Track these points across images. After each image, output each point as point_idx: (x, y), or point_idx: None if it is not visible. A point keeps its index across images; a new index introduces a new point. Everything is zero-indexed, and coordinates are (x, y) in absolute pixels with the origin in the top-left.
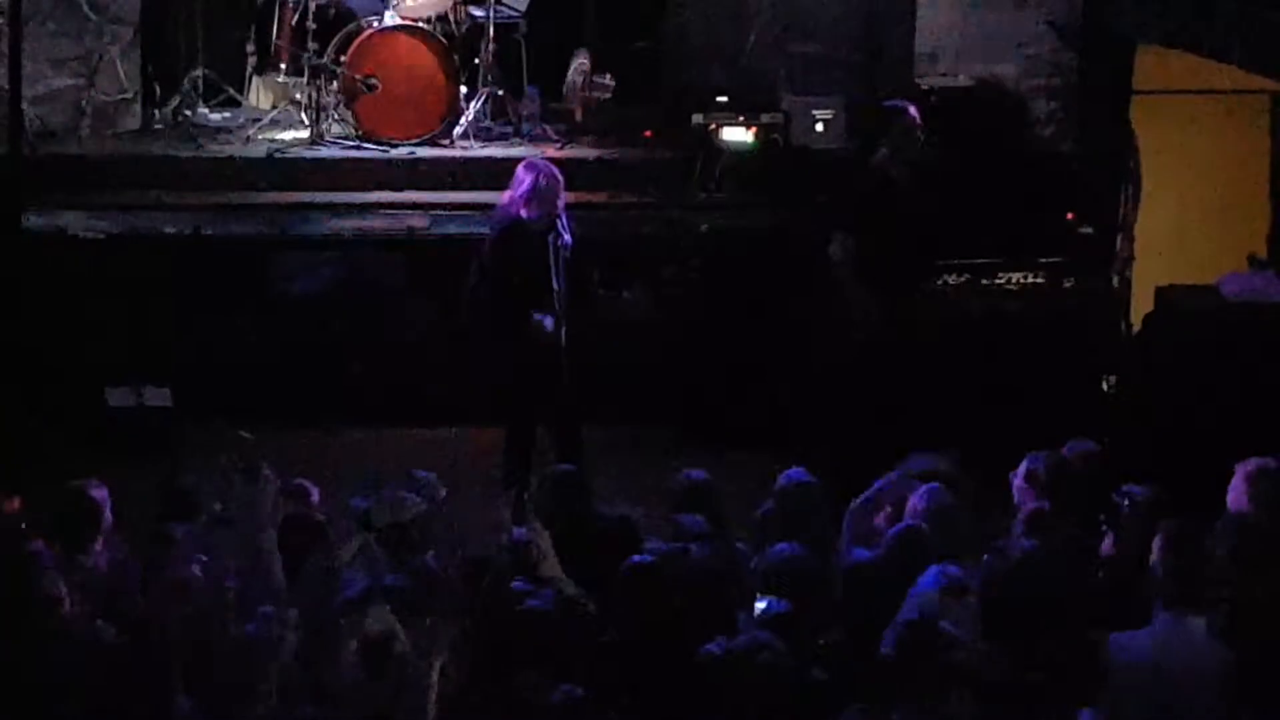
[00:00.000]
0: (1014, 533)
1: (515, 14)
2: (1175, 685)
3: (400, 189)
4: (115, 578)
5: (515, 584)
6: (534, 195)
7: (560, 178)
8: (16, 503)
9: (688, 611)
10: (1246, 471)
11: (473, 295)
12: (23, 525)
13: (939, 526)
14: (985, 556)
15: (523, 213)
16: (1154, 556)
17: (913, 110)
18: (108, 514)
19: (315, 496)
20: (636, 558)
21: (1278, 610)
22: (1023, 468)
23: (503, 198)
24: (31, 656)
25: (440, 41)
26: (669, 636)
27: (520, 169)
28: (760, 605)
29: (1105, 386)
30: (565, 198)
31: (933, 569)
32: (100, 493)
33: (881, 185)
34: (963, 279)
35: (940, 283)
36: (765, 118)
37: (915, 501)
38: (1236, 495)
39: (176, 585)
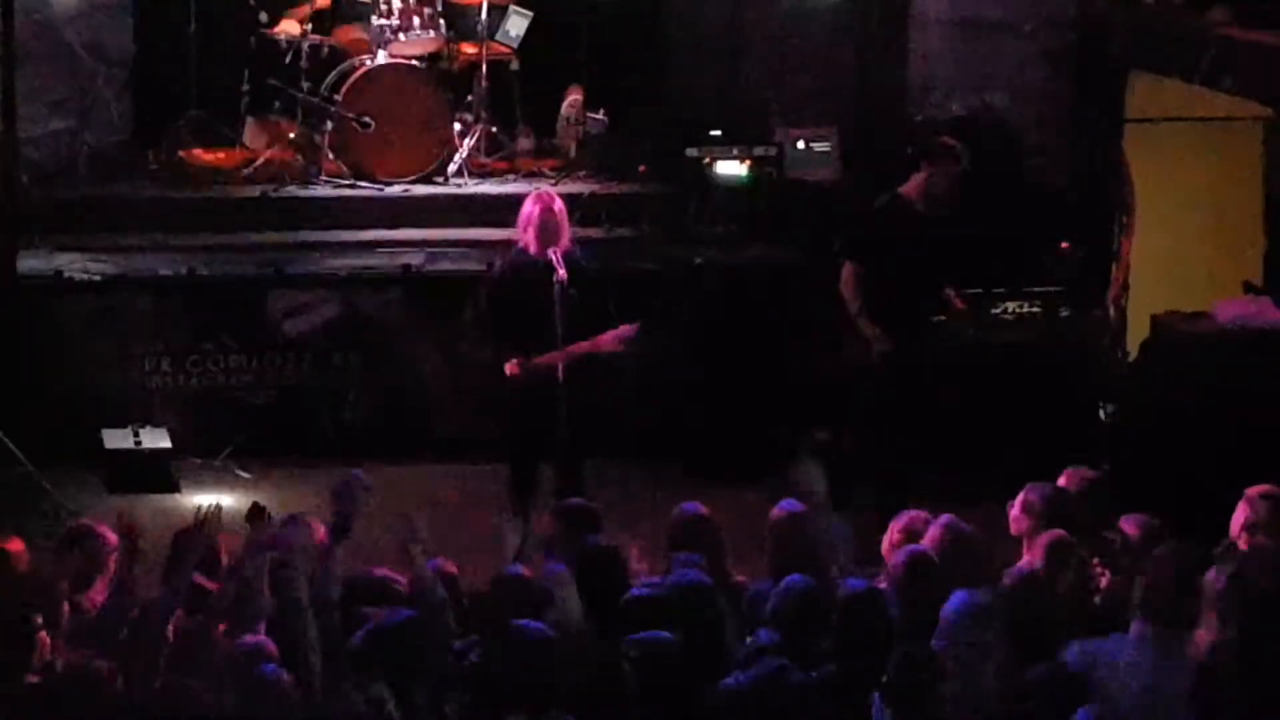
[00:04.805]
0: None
1: (508, 50)
2: (1149, 700)
3: (395, 227)
4: (112, 619)
5: (518, 620)
6: (537, 227)
7: (563, 210)
8: (18, 544)
9: (684, 645)
10: (1253, 497)
11: (474, 328)
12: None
13: (954, 556)
14: (1007, 581)
15: (529, 247)
16: (1146, 572)
17: (959, 154)
18: (113, 555)
19: (320, 533)
20: (636, 590)
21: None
22: (1020, 497)
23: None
24: (27, 693)
25: (433, 79)
26: (665, 670)
27: (527, 201)
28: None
29: (1103, 414)
30: (571, 231)
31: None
32: (108, 532)
33: (903, 218)
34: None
35: (937, 314)
36: (759, 150)
37: (932, 531)
38: (1241, 521)
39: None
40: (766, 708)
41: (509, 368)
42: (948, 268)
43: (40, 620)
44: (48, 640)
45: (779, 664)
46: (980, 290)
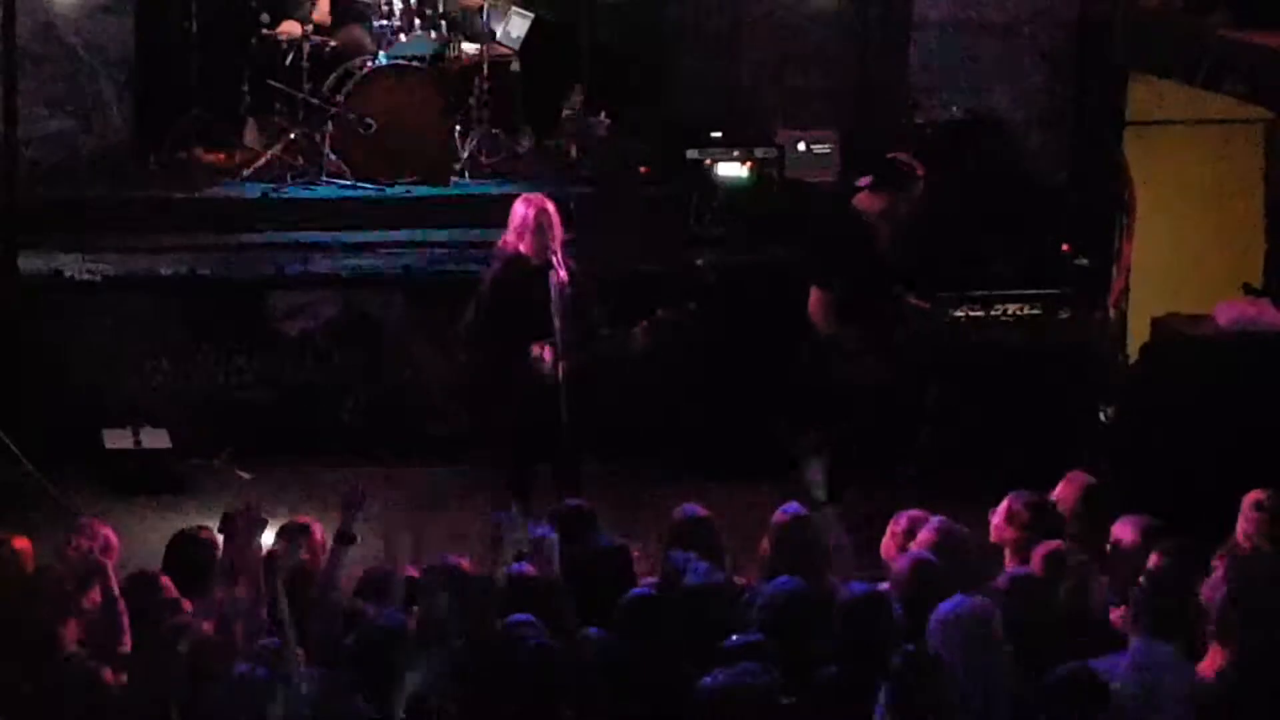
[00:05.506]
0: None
1: (508, 52)
2: (1149, 711)
3: (395, 227)
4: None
5: (511, 618)
6: (530, 230)
7: (556, 213)
8: (26, 542)
9: (683, 645)
10: (1249, 503)
11: (470, 333)
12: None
13: (947, 558)
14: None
15: (520, 249)
16: (1144, 581)
17: (920, 174)
18: (111, 555)
19: (319, 533)
20: (636, 590)
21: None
22: (1003, 505)
23: (505, 235)
24: (36, 696)
25: (434, 80)
26: (664, 669)
27: (517, 204)
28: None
29: (1103, 417)
30: (562, 233)
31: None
32: (107, 533)
33: (863, 231)
34: (959, 311)
35: (936, 314)
36: (760, 152)
37: (924, 534)
38: (1244, 525)
39: (175, 629)
40: (743, 709)
41: (541, 353)
42: (907, 274)
43: (59, 621)
44: (70, 639)
45: (758, 666)
46: (943, 293)
